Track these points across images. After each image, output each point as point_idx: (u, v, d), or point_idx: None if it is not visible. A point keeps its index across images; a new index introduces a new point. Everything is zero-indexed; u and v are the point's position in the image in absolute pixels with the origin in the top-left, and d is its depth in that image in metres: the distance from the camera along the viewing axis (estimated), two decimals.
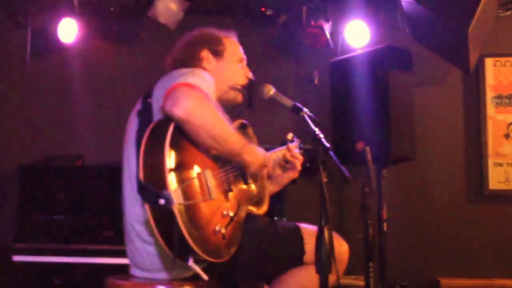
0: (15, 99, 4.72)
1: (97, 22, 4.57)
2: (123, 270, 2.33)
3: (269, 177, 2.47)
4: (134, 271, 2.21)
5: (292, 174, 2.59)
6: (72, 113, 4.70)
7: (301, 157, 2.59)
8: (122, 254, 2.35)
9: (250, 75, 2.51)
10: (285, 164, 2.60)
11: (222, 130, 2.01)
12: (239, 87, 2.45)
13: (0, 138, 4.70)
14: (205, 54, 2.41)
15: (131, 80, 4.62)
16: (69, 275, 3.55)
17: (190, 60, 2.37)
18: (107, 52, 4.71)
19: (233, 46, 2.51)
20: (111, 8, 4.48)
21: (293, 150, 2.59)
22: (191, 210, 1.89)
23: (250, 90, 2.45)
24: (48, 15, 4.50)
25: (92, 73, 4.73)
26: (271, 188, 2.60)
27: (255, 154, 2.15)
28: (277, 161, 2.59)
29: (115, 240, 3.48)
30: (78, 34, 4.46)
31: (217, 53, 2.43)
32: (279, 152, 2.60)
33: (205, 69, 2.36)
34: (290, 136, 2.70)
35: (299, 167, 2.57)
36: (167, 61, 2.45)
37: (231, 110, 2.46)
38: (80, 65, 4.67)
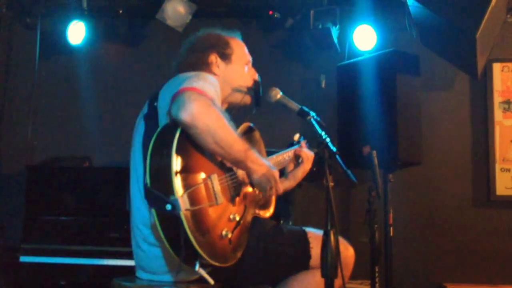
0: (23, 100, 4.75)
1: (105, 24, 4.59)
2: (129, 272, 2.34)
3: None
4: (140, 273, 2.22)
5: (307, 166, 2.58)
6: (79, 115, 4.72)
7: (312, 154, 2.60)
8: (129, 255, 2.36)
9: (256, 76, 2.52)
10: (296, 161, 2.61)
11: (227, 136, 2.00)
12: (244, 89, 2.45)
13: (8, 139, 4.73)
14: (214, 58, 2.41)
15: (139, 82, 4.64)
16: (75, 276, 3.56)
17: (199, 64, 2.36)
18: (115, 54, 4.74)
19: (240, 48, 2.51)
20: (120, 11, 4.50)
21: (304, 146, 2.61)
22: (197, 215, 1.90)
23: (256, 91, 2.45)
24: (57, 17, 4.53)
25: (101, 75, 4.75)
26: (287, 184, 2.58)
27: (259, 162, 2.14)
28: (283, 164, 2.59)
29: (122, 241, 3.49)
30: (86, 36, 4.49)
31: (225, 57, 2.43)
32: (285, 154, 2.60)
33: (214, 73, 2.37)
34: (296, 136, 2.71)
35: (311, 161, 2.57)
36: (174, 65, 2.45)
37: (238, 111, 2.47)
38: (89, 67, 4.70)
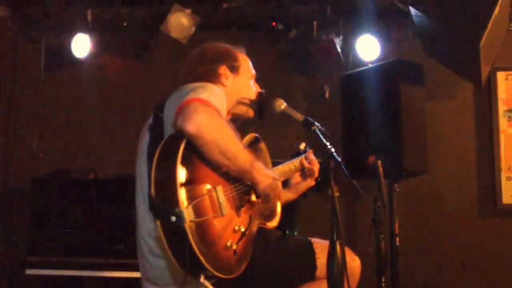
0: (28, 112, 4.78)
1: (110, 37, 4.63)
2: (134, 284, 2.33)
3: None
4: (147, 285, 2.21)
5: (310, 181, 2.59)
6: (84, 127, 4.75)
7: (317, 164, 2.60)
8: (134, 268, 2.36)
9: (260, 90, 2.53)
10: (302, 172, 2.61)
11: (233, 147, 2.01)
12: (247, 101, 2.46)
13: (13, 151, 4.75)
14: (223, 70, 2.42)
15: (143, 94, 4.66)
16: None
17: (208, 76, 2.37)
18: (119, 66, 4.76)
19: (246, 63, 2.53)
20: (124, 24, 4.53)
21: (311, 157, 2.60)
22: (202, 227, 1.89)
23: (260, 103, 2.46)
24: (62, 31, 4.57)
25: (105, 87, 4.78)
26: (289, 195, 2.61)
27: (264, 173, 2.14)
28: (289, 174, 2.59)
29: (127, 253, 3.49)
30: (91, 49, 4.52)
31: (234, 69, 2.45)
32: (291, 164, 2.60)
33: (222, 84, 2.38)
34: (303, 145, 2.70)
35: (317, 173, 2.58)
36: (181, 75, 2.46)
37: (243, 122, 2.48)
38: (93, 80, 4.73)
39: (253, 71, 2.54)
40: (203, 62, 2.44)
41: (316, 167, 2.59)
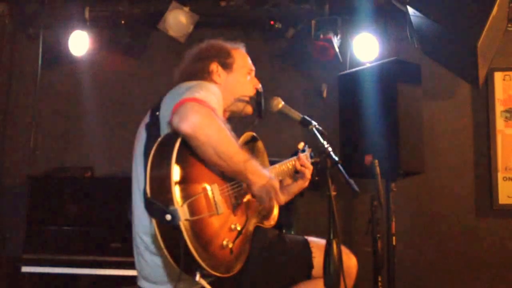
0: (26, 110, 4.77)
1: (107, 34, 4.62)
2: (131, 282, 2.33)
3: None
4: (143, 283, 2.21)
5: (302, 183, 2.55)
6: (82, 125, 4.74)
7: (310, 166, 2.57)
8: (130, 265, 2.35)
9: (259, 86, 2.51)
10: (295, 174, 2.59)
11: (228, 148, 1.99)
12: (246, 98, 2.45)
13: (10, 149, 4.74)
14: (215, 67, 2.41)
15: (141, 92, 4.65)
16: (77, 286, 3.56)
17: (200, 73, 2.37)
18: (117, 64, 4.76)
19: (242, 58, 2.51)
20: (122, 21, 4.52)
21: (302, 159, 2.58)
22: (198, 226, 1.89)
23: (258, 100, 2.45)
24: (60, 28, 4.56)
25: (102, 85, 4.77)
26: (281, 197, 2.58)
27: (258, 173, 2.12)
28: (286, 173, 2.58)
29: (123, 251, 3.49)
30: (89, 46, 4.51)
31: (227, 66, 2.43)
32: (289, 163, 2.58)
33: (215, 82, 2.37)
34: (301, 145, 2.69)
35: (308, 176, 2.55)
36: (176, 74, 2.46)
37: (241, 120, 2.48)
38: (91, 77, 4.72)
39: (251, 66, 2.51)
40: (195, 60, 2.44)
41: (307, 169, 2.55)
